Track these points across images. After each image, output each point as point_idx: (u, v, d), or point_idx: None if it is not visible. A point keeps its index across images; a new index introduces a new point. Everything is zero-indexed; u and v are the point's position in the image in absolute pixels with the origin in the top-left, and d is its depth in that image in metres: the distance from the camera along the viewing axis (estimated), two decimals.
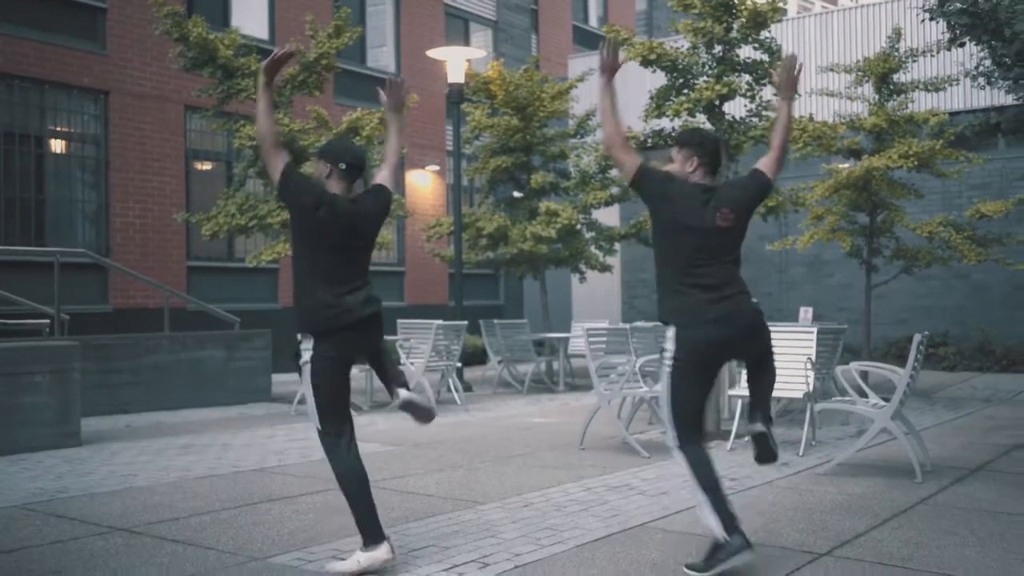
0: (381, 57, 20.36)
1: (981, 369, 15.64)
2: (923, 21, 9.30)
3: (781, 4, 10.39)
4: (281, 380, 12.83)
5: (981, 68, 8.80)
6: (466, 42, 21.85)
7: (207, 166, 16.82)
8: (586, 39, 25.67)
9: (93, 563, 4.59)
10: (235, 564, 4.55)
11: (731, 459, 7.47)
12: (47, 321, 10.20)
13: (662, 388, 4.47)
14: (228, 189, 12.81)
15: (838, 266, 16.79)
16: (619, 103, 4.57)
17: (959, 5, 7.92)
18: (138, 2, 15.03)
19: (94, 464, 7.49)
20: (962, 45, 8.59)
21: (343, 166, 4.56)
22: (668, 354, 4.42)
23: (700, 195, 4.44)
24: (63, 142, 14.81)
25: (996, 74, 8.33)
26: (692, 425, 4.41)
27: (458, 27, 22.09)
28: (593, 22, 26.96)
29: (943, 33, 8.74)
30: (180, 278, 15.60)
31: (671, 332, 4.43)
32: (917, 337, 6.80)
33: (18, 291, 11.56)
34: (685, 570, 4.32)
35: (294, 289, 4.56)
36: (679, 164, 4.55)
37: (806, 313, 12.24)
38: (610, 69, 4.54)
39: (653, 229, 4.59)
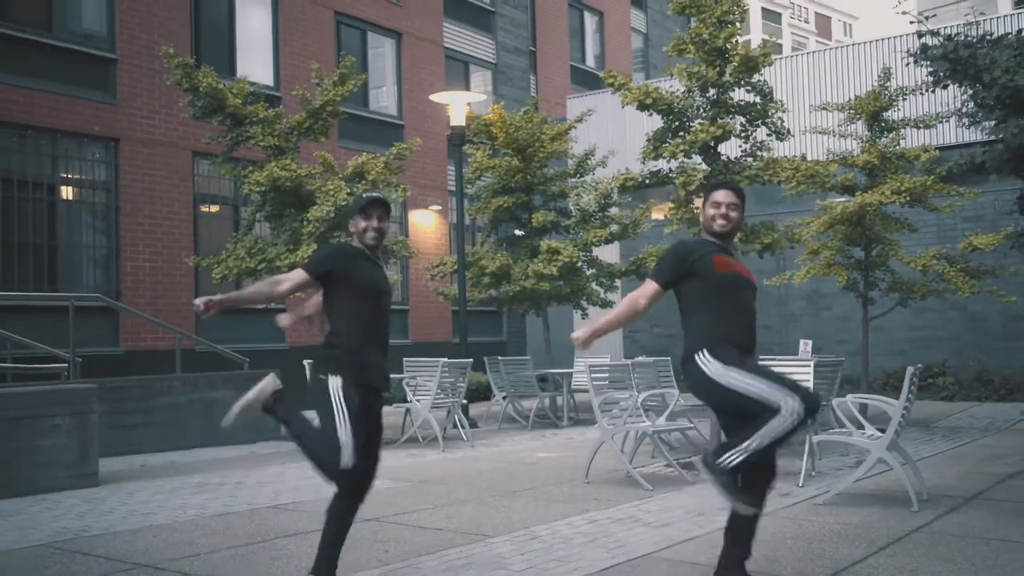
0: (383, 100, 20.76)
1: (979, 399, 15.83)
2: (907, 64, 9.62)
3: (771, 51, 10.74)
4: None
5: (965, 109, 9.12)
6: (466, 84, 22.28)
7: (215, 210, 17.13)
8: (584, 79, 26.14)
9: None
10: None
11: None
12: (65, 365, 10.44)
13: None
14: (237, 233, 13.11)
15: (836, 299, 17.05)
16: (610, 320, 4.81)
17: (939, 52, 8.24)
18: (147, 52, 15.45)
19: (113, 503, 7.70)
20: (945, 87, 8.91)
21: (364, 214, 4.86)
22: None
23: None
24: (74, 189, 15.13)
25: (979, 116, 8.63)
26: None
27: (458, 69, 22.52)
28: (590, 62, 27.43)
29: (927, 76, 9.06)
30: (189, 320, 15.84)
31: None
32: (910, 370, 7.03)
33: (31, 335, 11.81)
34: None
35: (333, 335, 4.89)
36: (741, 214, 4.84)
37: (805, 346, 12.47)
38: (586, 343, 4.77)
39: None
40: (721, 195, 4.76)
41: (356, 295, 4.74)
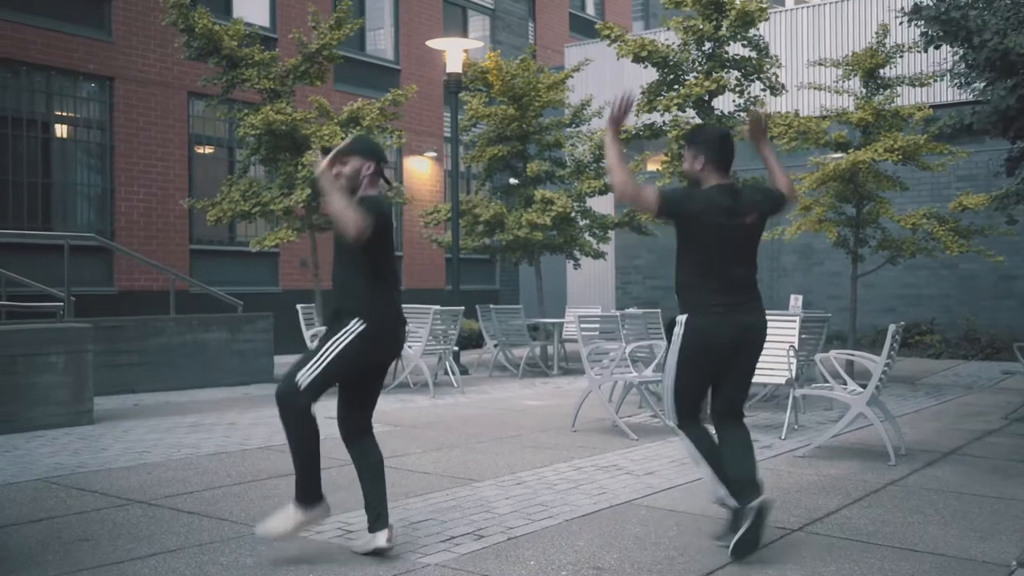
0: (380, 43, 20.62)
1: (966, 357, 16.03)
2: (901, 23, 9.63)
3: (768, 5, 10.73)
4: (283, 361, 13.17)
5: (956, 70, 9.15)
6: (464, 30, 22.13)
7: (210, 152, 17.11)
8: (583, 27, 25.94)
9: (117, 531, 4.94)
10: (248, 533, 4.89)
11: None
12: (60, 304, 10.53)
13: (667, 372, 4.71)
14: (232, 176, 13.14)
15: (828, 254, 17.16)
16: (623, 154, 4.77)
17: (932, 12, 8.25)
18: None
19: (108, 441, 7.84)
20: (937, 47, 8.93)
21: (383, 165, 4.76)
22: (676, 341, 4.64)
23: (725, 198, 4.62)
24: (68, 127, 15.10)
25: (969, 77, 8.67)
26: (691, 407, 4.73)
27: (456, 15, 22.36)
28: (590, 10, 27.21)
29: (920, 36, 9.07)
30: (183, 261, 15.93)
31: (681, 319, 4.64)
32: (892, 327, 7.16)
33: (25, 273, 11.88)
34: (719, 545, 4.62)
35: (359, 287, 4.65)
36: (688, 163, 4.75)
37: (796, 301, 12.60)
38: (616, 122, 4.63)
39: (680, 236, 4.72)
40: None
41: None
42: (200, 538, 4.82)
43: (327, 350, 4.52)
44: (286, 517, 4.55)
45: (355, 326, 4.51)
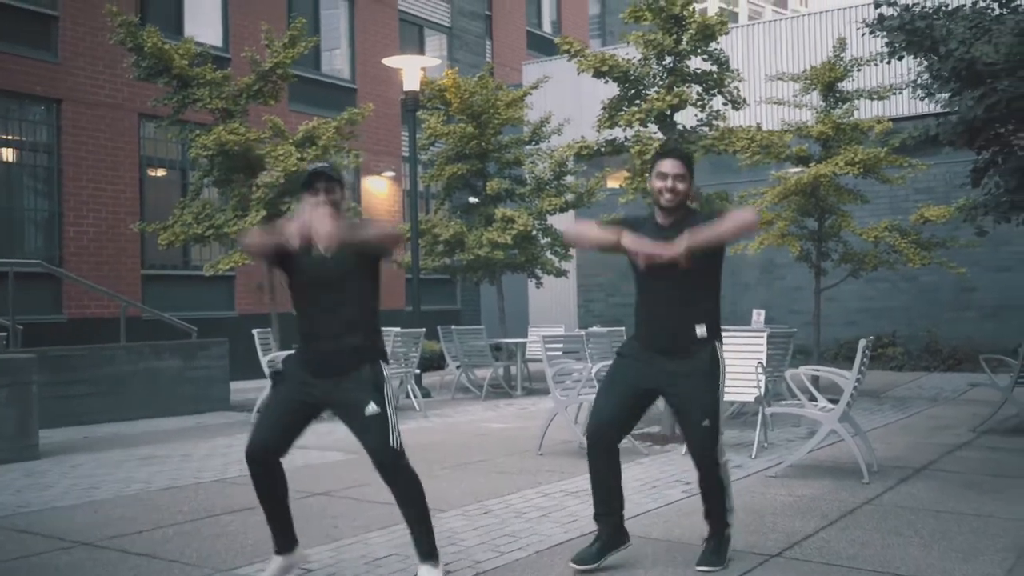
0: (335, 63, 20.39)
1: (928, 368, 16.05)
2: (863, 35, 9.58)
3: (727, 19, 10.66)
4: (239, 388, 12.85)
5: (920, 81, 9.10)
6: (421, 48, 21.96)
7: (162, 174, 16.74)
8: (540, 44, 25.90)
9: None
10: None
11: (685, 463, 7.63)
12: (4, 334, 10.14)
13: (719, 409, 4.60)
14: (184, 199, 12.80)
15: (790, 269, 17.12)
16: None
17: (896, 23, 8.19)
18: (90, 11, 14.95)
19: (54, 477, 7.49)
20: (901, 58, 8.87)
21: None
22: (721, 376, 4.58)
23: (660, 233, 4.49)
24: (14, 151, 14.67)
25: (934, 87, 8.62)
26: None
27: (412, 33, 22.18)
28: (547, 28, 27.20)
29: (883, 47, 9.01)
30: (135, 287, 15.52)
31: (720, 353, 4.57)
32: (863, 343, 7.04)
33: None
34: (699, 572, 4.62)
35: (373, 324, 4.48)
36: (688, 185, 4.53)
37: (758, 316, 12.52)
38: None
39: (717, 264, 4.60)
40: (667, 165, 4.49)
41: (295, 286, 4.44)
42: None
43: (391, 407, 4.37)
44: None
45: (385, 369, 4.41)
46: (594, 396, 8.31)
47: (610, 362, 9.31)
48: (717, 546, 4.68)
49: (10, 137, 14.60)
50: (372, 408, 4.27)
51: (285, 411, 4.39)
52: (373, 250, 4.42)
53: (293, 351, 4.58)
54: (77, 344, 12.22)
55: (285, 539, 4.49)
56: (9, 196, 14.45)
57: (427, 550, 4.41)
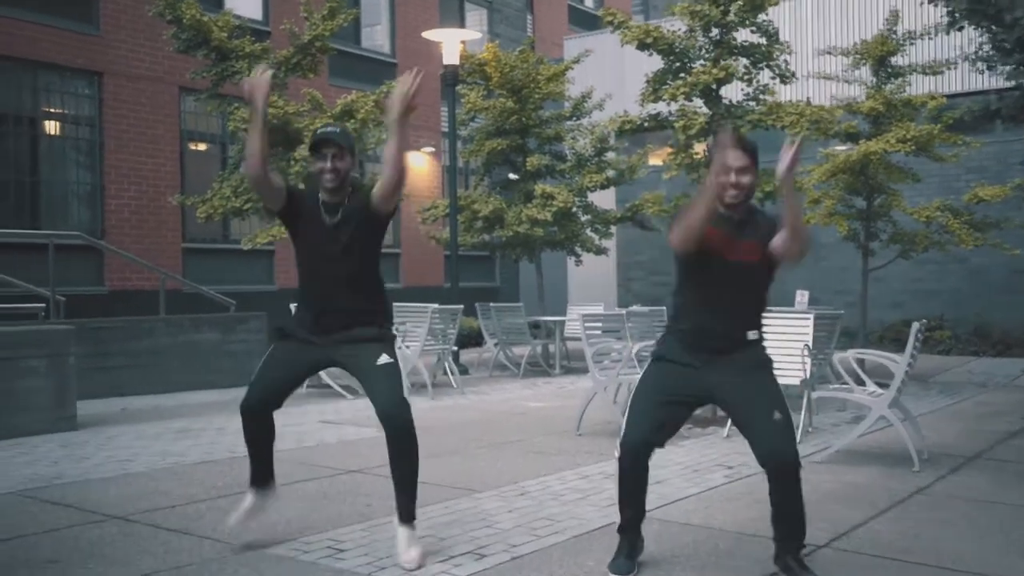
0: (376, 37, 20.24)
1: (977, 353, 15.66)
2: (921, 4, 9.24)
3: None
4: None
5: (980, 53, 8.74)
6: (461, 22, 21.73)
7: (202, 148, 16.73)
8: (581, 19, 25.57)
9: (89, 552, 4.57)
10: (231, 554, 4.53)
11: (727, 446, 7.47)
12: (42, 305, 10.16)
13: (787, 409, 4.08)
14: (223, 172, 12.76)
15: (835, 249, 16.75)
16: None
17: None
18: None
19: (90, 449, 7.47)
20: (961, 29, 8.53)
21: None
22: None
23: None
24: (57, 124, 14.72)
25: (996, 59, 8.26)
26: None
27: (452, 7, 21.96)
28: (589, 2, 26.82)
29: (942, 16, 8.66)
30: (175, 260, 15.56)
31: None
32: (915, 325, 6.79)
33: (13, 273, 11.51)
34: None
35: (379, 287, 4.55)
36: (754, 178, 4.08)
37: (802, 296, 12.23)
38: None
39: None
40: (732, 158, 3.94)
41: (299, 249, 4.53)
42: (178, 559, 4.45)
43: (399, 364, 4.47)
44: (412, 540, 4.38)
45: (393, 330, 4.55)
46: (634, 377, 8.18)
47: (650, 343, 9.14)
48: (801, 562, 4.06)
49: (52, 110, 14.64)
50: (384, 358, 4.34)
51: (285, 369, 4.51)
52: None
53: (295, 310, 4.65)
54: (118, 316, 12.26)
55: (263, 475, 4.71)
56: (52, 169, 14.50)
57: (409, 513, 4.43)
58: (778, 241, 4.01)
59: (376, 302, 4.51)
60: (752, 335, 4.11)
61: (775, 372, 4.18)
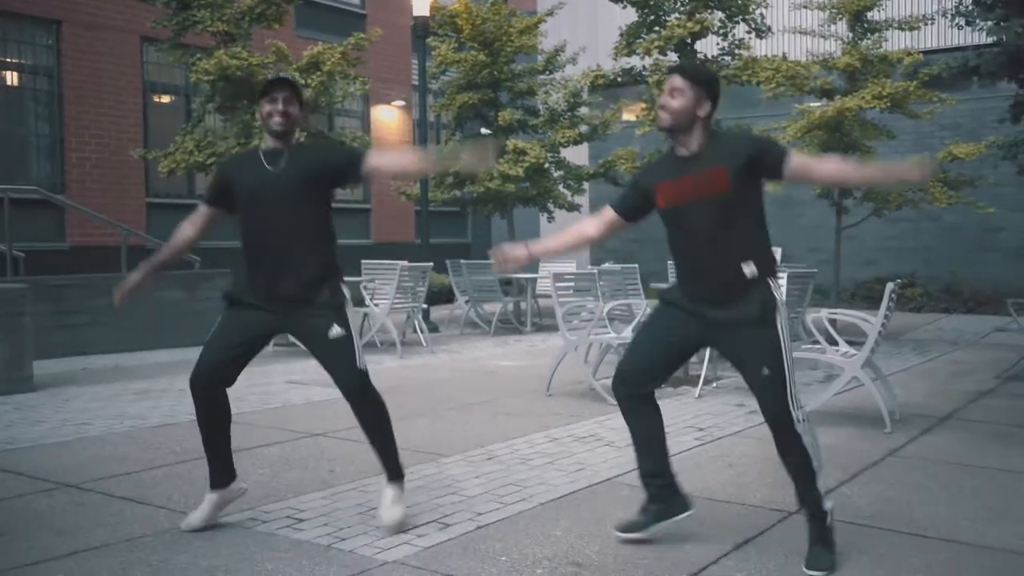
0: None
1: (948, 310, 15.70)
2: None
3: None
4: None
5: (961, 7, 8.57)
6: None
7: (165, 100, 16.31)
8: None
9: (38, 523, 4.40)
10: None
11: (699, 406, 7.39)
12: None
13: (786, 367, 3.83)
14: (186, 125, 12.42)
15: (809, 207, 16.67)
16: (564, 240, 4.31)
17: None
18: None
19: (47, 412, 7.27)
20: None
21: None
22: (785, 328, 3.88)
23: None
24: (14, 74, 14.27)
25: (976, 14, 8.10)
26: None
27: None
28: None
29: None
30: (139, 215, 15.22)
31: (777, 297, 3.89)
32: (890, 286, 6.70)
33: None
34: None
35: (330, 244, 4.35)
36: (689, 103, 3.86)
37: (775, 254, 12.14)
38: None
39: (756, 192, 3.96)
40: (669, 81, 3.91)
41: (241, 209, 4.33)
42: (130, 531, 4.29)
43: (351, 332, 4.25)
44: (396, 500, 4.31)
45: (343, 289, 4.30)
46: (605, 337, 8.05)
47: (622, 301, 9.01)
48: (820, 535, 3.90)
49: (9, 60, 14.19)
50: (336, 331, 4.16)
51: (235, 339, 4.25)
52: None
53: (242, 276, 4.39)
54: (80, 272, 11.97)
55: (222, 472, 4.40)
56: (9, 121, 14.08)
57: (394, 472, 4.36)
58: (812, 161, 4.02)
59: (328, 257, 4.28)
60: (748, 270, 3.83)
61: (780, 321, 3.84)
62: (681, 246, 3.98)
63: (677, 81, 3.88)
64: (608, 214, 4.19)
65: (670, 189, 3.93)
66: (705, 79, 3.96)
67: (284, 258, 4.18)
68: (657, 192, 3.97)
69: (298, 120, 4.30)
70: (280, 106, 4.17)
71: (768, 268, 3.87)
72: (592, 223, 4.25)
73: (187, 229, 4.57)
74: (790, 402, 3.82)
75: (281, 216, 4.17)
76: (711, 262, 3.87)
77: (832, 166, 4.02)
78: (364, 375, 4.24)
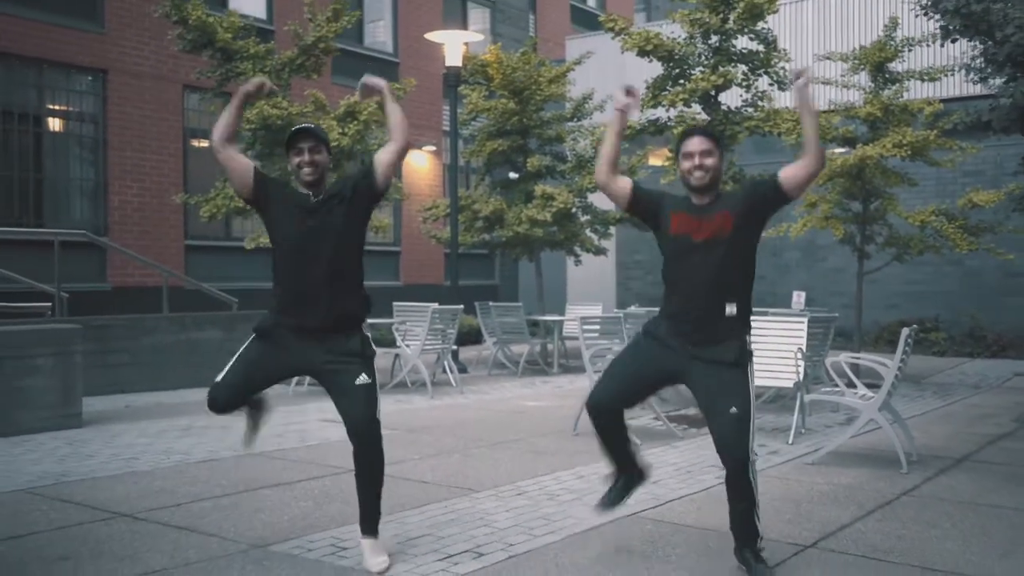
0: (378, 35, 20.35)
1: (971, 355, 15.80)
2: (917, 16, 9.37)
3: None
4: None
5: (974, 64, 8.88)
6: (464, 22, 21.85)
7: (205, 146, 16.85)
8: (584, 19, 25.68)
9: (99, 549, 4.72)
10: (237, 551, 4.68)
11: None
12: (49, 304, 10.30)
13: (751, 412, 4.24)
14: None
15: (832, 251, 16.92)
16: (618, 140, 4.56)
17: (951, 5, 8.00)
18: None
19: (96, 446, 7.62)
20: (955, 41, 8.67)
21: None
22: (753, 376, 4.32)
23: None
24: (61, 121, 14.86)
25: (988, 72, 8.41)
26: None
27: (455, 6, 22.07)
28: (591, 2, 26.93)
29: (936, 29, 8.80)
30: (178, 257, 15.70)
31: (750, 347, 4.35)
32: (905, 331, 6.93)
33: (17, 269, 11.65)
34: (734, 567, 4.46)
35: (361, 281, 4.51)
36: (718, 161, 4.36)
37: (799, 297, 12.38)
38: (625, 110, 4.53)
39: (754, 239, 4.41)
40: (694, 143, 4.31)
41: (276, 248, 4.50)
42: (187, 556, 4.60)
43: (376, 382, 4.43)
44: (377, 548, 4.49)
45: (372, 348, 4.49)
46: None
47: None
48: (756, 556, 4.30)
49: (57, 107, 14.77)
50: (363, 379, 4.32)
51: (259, 371, 4.45)
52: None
53: (272, 312, 4.47)
54: (120, 312, 12.40)
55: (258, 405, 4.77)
56: (55, 166, 14.64)
57: (372, 528, 4.53)
58: (792, 168, 4.33)
59: (358, 299, 4.42)
60: (729, 309, 4.25)
61: (749, 370, 4.28)
62: (675, 278, 4.39)
63: (706, 143, 4.34)
64: (626, 180, 4.55)
65: (683, 221, 4.34)
66: (719, 138, 4.52)
67: (319, 297, 4.31)
68: (671, 218, 4.38)
69: (327, 166, 4.45)
70: (307, 156, 4.33)
71: (747, 322, 4.33)
72: (615, 171, 4.55)
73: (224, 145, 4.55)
74: (749, 444, 4.19)
75: (313, 261, 4.31)
76: (699, 297, 4.27)
77: (803, 160, 4.32)
78: (377, 424, 4.38)
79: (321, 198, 4.37)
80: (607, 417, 4.55)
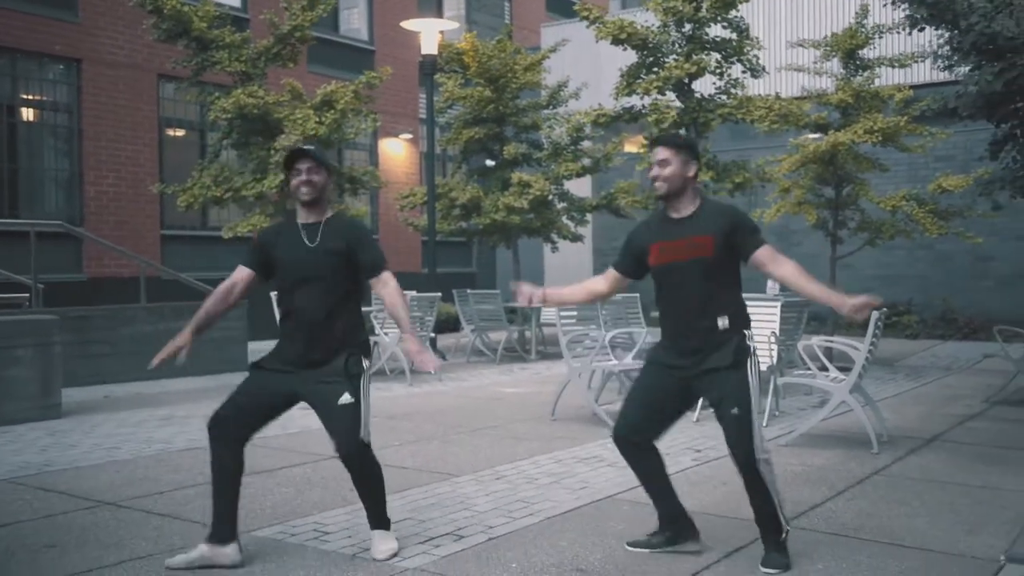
0: (354, 23, 20.31)
1: (943, 337, 16.05)
2: (886, 5, 9.50)
3: None
4: (257, 348, 12.94)
5: (941, 52, 9.03)
6: (439, 10, 21.84)
7: (181, 135, 16.81)
8: (559, 7, 25.71)
9: (84, 537, 4.78)
10: None
11: (697, 430, 7.75)
12: (27, 295, 10.28)
13: (754, 410, 4.30)
14: (203, 160, 12.89)
15: (806, 236, 17.08)
16: (579, 294, 4.77)
17: None
18: None
19: (76, 437, 7.65)
20: (921, 30, 8.81)
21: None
22: (756, 374, 4.34)
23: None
24: (35, 111, 14.78)
25: (954, 61, 8.56)
26: None
27: None
28: None
29: (903, 17, 8.94)
30: (154, 247, 15.67)
31: (751, 343, 4.39)
32: (875, 315, 7.07)
33: None
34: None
35: (357, 317, 4.52)
36: (678, 168, 4.32)
37: (773, 284, 12.53)
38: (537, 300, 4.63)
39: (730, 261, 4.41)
40: (653, 154, 4.37)
41: (279, 280, 4.48)
42: (171, 543, 4.67)
43: (365, 400, 4.33)
44: (388, 540, 4.49)
45: (364, 362, 4.39)
46: (607, 364, 8.44)
47: (623, 330, 9.40)
48: (776, 546, 4.36)
49: (31, 97, 14.69)
50: (346, 398, 4.25)
51: (258, 398, 4.42)
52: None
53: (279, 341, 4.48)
54: (96, 303, 12.39)
55: (224, 527, 4.35)
56: (30, 156, 14.57)
57: (380, 521, 4.51)
58: (771, 264, 4.33)
59: (357, 332, 4.45)
60: (722, 322, 4.33)
61: (750, 368, 4.30)
62: (667, 301, 4.44)
63: (662, 152, 4.36)
64: (612, 273, 4.65)
65: (663, 250, 4.37)
66: (685, 144, 4.46)
67: (317, 329, 4.33)
68: (650, 251, 4.42)
69: (326, 185, 4.47)
70: (304, 176, 4.38)
71: (743, 322, 4.39)
72: (602, 281, 4.71)
73: (225, 292, 4.59)
74: (755, 443, 4.26)
75: (317, 289, 4.34)
76: (693, 316, 4.33)
77: (788, 270, 4.31)
78: (364, 447, 4.31)
79: (320, 236, 4.40)
80: (633, 450, 4.51)
